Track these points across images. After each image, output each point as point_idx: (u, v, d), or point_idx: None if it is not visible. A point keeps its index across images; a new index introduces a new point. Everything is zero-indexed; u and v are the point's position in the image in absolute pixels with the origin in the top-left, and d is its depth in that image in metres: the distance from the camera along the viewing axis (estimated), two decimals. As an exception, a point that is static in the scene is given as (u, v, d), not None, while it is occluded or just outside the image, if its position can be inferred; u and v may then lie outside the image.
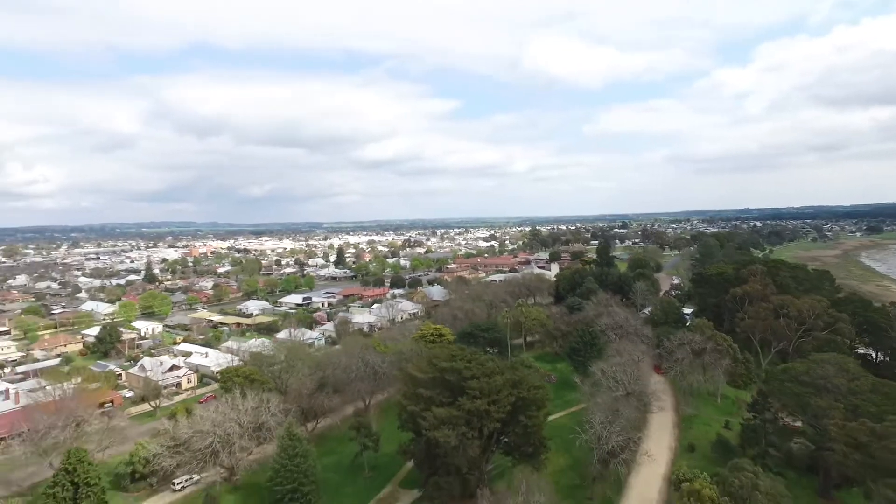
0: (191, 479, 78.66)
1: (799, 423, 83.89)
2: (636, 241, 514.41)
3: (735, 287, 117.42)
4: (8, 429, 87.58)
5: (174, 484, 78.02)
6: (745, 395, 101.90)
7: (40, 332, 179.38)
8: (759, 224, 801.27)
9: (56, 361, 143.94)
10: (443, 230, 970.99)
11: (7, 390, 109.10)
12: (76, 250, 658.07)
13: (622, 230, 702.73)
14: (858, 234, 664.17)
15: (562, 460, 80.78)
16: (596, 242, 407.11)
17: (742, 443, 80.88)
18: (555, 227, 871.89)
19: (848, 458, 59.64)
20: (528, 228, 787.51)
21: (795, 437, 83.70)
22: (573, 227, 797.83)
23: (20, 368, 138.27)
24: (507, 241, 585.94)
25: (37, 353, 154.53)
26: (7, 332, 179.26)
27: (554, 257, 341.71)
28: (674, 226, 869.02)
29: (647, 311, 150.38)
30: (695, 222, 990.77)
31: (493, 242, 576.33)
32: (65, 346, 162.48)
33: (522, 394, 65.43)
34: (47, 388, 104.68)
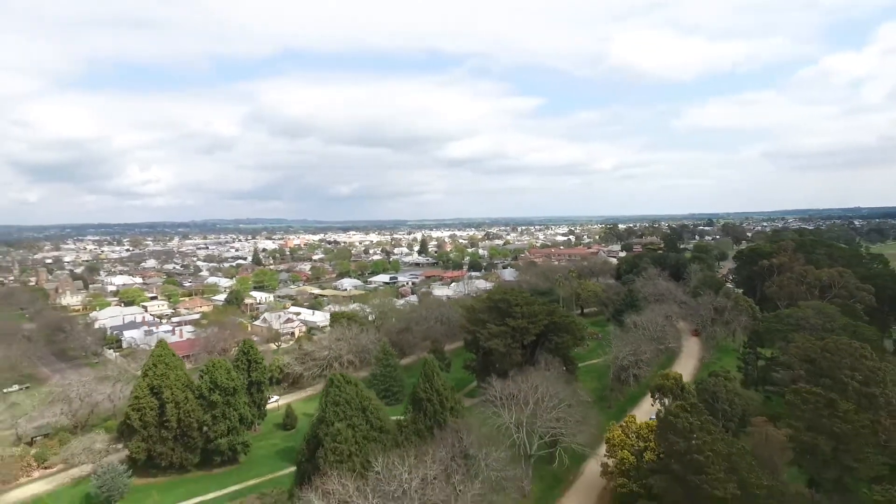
0: (272, 397, 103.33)
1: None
2: (716, 236, 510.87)
3: (764, 260, 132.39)
4: (188, 350, 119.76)
5: None
6: (765, 351, 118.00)
7: (180, 298, 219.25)
8: (859, 223, 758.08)
9: (197, 316, 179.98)
10: (523, 227, 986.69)
11: (173, 329, 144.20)
12: (186, 241, 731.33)
13: (707, 227, 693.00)
14: None
15: (593, 384, 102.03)
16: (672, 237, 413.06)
17: (744, 378, 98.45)
18: (636, 224, 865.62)
19: (801, 370, 77.73)
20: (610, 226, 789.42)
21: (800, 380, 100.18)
22: (655, 225, 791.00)
23: (174, 319, 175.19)
24: (584, 236, 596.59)
25: (182, 311, 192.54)
26: (155, 297, 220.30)
27: (626, 248, 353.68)
28: (764, 224, 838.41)
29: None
30: (790, 221, 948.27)
31: (570, 237, 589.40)
32: (200, 307, 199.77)
33: (555, 319, 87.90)
34: (198, 331, 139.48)
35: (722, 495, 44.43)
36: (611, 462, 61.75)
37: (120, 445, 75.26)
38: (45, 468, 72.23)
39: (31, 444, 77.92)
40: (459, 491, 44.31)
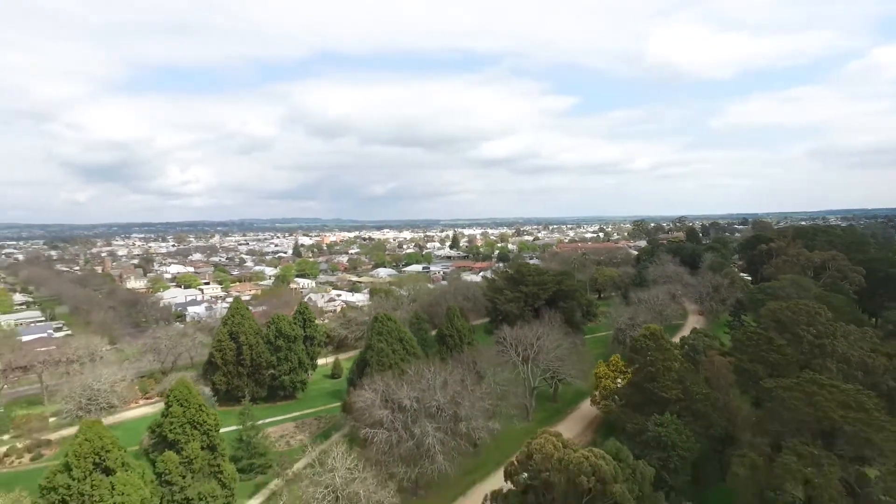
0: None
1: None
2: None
3: (763, 244, 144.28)
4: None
5: None
6: (751, 321, 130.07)
7: (230, 283, 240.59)
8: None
9: (248, 297, 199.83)
10: (555, 226, 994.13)
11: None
12: (227, 238, 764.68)
13: (740, 226, 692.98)
14: None
15: (599, 350, 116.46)
16: (701, 235, 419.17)
17: (733, 343, 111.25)
18: (667, 223, 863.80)
19: (771, 328, 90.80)
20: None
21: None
22: (686, 222, 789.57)
23: (228, 300, 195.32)
24: (614, 234, 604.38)
25: (233, 294, 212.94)
26: (208, 283, 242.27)
27: (651, 243, 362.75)
28: (802, 222, 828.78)
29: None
30: (830, 220, 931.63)
31: (599, 234, 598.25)
32: (250, 290, 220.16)
33: (562, 287, 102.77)
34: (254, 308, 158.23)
35: (668, 397, 59.00)
36: (597, 392, 76.55)
37: (203, 386, 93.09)
38: (147, 398, 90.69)
39: (132, 382, 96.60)
40: (471, 390, 59.98)
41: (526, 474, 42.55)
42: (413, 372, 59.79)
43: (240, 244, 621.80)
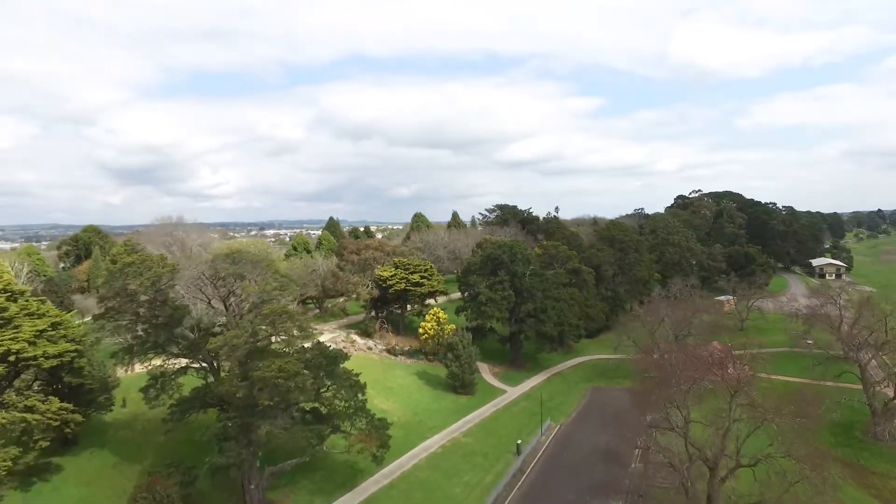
0: None
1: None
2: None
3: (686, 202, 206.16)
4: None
5: None
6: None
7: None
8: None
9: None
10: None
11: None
12: (263, 233, 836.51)
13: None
14: None
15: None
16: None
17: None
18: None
19: (648, 234, 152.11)
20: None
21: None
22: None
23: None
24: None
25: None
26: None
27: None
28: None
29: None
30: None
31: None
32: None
33: (527, 217, 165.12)
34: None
35: (559, 243, 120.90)
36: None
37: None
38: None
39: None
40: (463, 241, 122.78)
41: (480, 249, 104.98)
42: (434, 234, 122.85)
43: (280, 235, 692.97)
